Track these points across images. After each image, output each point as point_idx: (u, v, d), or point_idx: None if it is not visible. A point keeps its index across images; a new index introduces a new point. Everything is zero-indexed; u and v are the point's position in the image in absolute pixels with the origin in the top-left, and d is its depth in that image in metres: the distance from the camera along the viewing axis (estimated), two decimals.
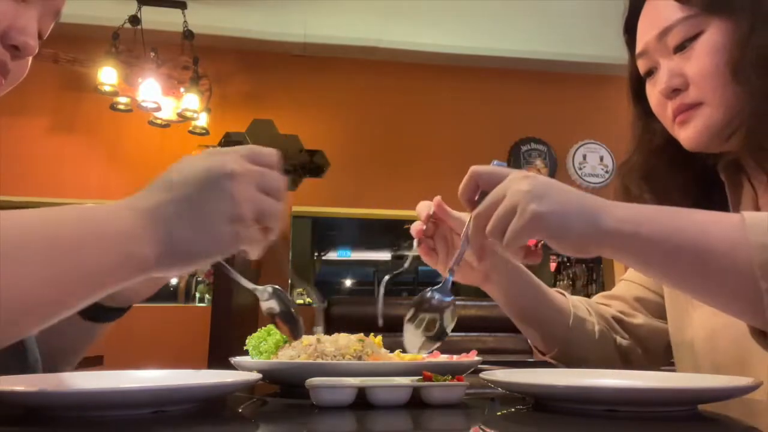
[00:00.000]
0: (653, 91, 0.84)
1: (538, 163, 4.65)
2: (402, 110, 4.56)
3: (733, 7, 0.76)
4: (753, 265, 0.59)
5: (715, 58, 0.76)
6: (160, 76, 3.69)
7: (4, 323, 0.46)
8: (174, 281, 4.32)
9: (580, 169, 4.68)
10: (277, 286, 0.67)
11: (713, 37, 0.77)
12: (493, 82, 4.66)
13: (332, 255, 9.92)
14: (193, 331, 3.72)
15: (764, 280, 0.59)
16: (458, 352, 0.85)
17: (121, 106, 3.77)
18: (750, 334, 0.64)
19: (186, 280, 4.46)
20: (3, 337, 0.47)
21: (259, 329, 0.82)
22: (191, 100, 3.72)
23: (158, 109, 3.70)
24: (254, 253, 0.60)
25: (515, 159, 4.62)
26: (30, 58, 0.68)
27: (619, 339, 0.94)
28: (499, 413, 0.64)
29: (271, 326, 0.77)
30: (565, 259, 5.41)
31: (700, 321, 0.83)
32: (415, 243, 0.85)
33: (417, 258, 0.89)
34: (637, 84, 0.90)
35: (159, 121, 3.92)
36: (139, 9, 3.75)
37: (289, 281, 4.39)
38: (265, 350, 0.79)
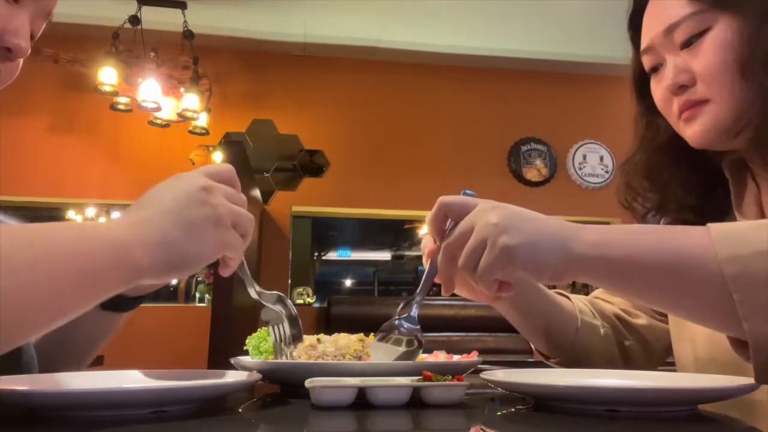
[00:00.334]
0: (658, 88, 0.83)
1: (538, 163, 4.65)
2: (402, 110, 4.56)
3: (742, 3, 0.75)
4: (724, 278, 0.59)
5: (723, 55, 0.75)
6: (160, 76, 3.69)
7: (9, 329, 0.47)
8: (174, 281, 4.33)
9: (580, 169, 4.67)
10: (283, 295, 0.73)
11: (721, 33, 0.76)
12: (493, 82, 4.67)
13: (332, 255, 9.92)
14: (193, 331, 3.72)
15: (737, 292, 0.58)
16: (458, 352, 0.85)
17: (121, 106, 3.77)
18: (730, 346, 0.64)
19: (186, 280, 4.46)
20: (6, 341, 0.48)
21: (259, 329, 0.82)
22: (191, 100, 3.71)
23: (158, 109, 3.70)
24: (237, 259, 0.65)
25: (515, 159, 4.62)
26: (22, 60, 0.68)
27: (622, 340, 0.93)
28: (499, 413, 0.64)
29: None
30: None
31: None
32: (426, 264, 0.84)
33: (417, 258, 0.89)
34: (641, 80, 0.89)
35: (159, 121, 3.92)
36: (139, 9, 3.75)
37: (289, 281, 4.39)
38: (265, 350, 0.79)
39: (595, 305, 0.97)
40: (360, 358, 0.73)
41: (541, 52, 4.50)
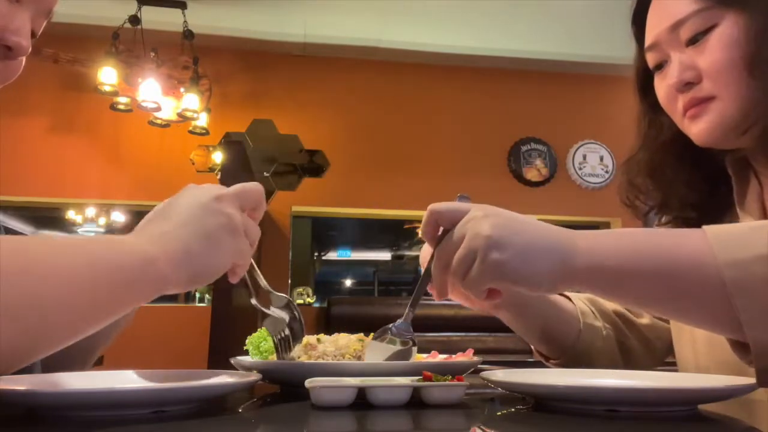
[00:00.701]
0: (662, 85, 0.83)
1: (538, 163, 4.65)
2: (402, 110, 4.56)
3: (748, 0, 0.75)
4: (724, 282, 0.58)
5: (729, 52, 0.74)
6: (160, 76, 3.69)
7: (47, 333, 0.50)
8: None
9: (580, 169, 4.67)
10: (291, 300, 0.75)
11: (728, 30, 0.75)
12: (493, 82, 4.67)
13: (332, 255, 9.92)
14: (193, 331, 3.72)
15: (738, 297, 0.57)
16: (457, 352, 0.85)
17: (121, 106, 3.77)
18: (731, 348, 0.63)
19: None
20: (44, 346, 0.51)
21: (259, 329, 0.82)
22: (191, 100, 3.71)
23: (158, 109, 3.70)
24: (245, 266, 0.67)
25: (515, 159, 4.62)
26: (24, 58, 0.68)
27: (623, 340, 0.93)
28: (499, 413, 0.64)
29: None
30: None
31: None
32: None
33: (417, 258, 0.89)
34: (645, 78, 0.88)
35: (159, 121, 3.92)
36: (139, 9, 3.75)
37: (289, 281, 4.39)
38: (265, 350, 0.79)
39: (595, 303, 0.96)
40: (360, 358, 0.73)
41: (541, 52, 4.50)
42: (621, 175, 0.93)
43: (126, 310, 0.58)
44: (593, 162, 4.69)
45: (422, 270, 0.79)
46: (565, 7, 4.08)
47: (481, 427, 0.54)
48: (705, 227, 0.62)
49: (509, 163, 4.62)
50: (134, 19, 3.73)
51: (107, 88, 3.57)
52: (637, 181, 0.90)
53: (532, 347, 0.97)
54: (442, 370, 0.64)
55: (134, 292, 0.57)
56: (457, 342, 3.87)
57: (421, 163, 4.44)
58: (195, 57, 3.87)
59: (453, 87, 4.62)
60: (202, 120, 3.97)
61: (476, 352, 0.82)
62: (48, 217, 4.32)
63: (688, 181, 0.86)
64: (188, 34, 3.85)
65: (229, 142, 4.17)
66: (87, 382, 0.64)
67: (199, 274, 0.61)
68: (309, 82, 4.47)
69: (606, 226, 4.49)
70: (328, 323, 4.04)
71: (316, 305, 4.73)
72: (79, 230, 4.26)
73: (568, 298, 0.95)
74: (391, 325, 0.76)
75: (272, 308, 0.75)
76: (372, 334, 0.79)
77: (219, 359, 2.78)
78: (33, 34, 0.70)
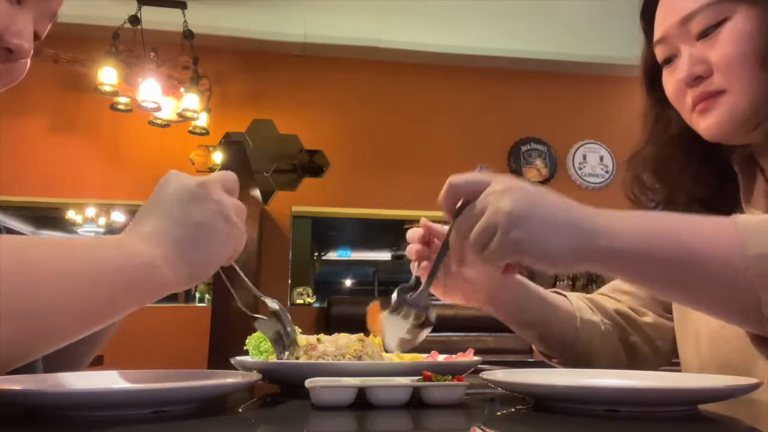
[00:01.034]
0: (671, 79, 0.82)
1: (538, 163, 4.65)
2: (402, 110, 4.56)
3: None
4: (750, 275, 0.58)
5: (741, 46, 0.74)
6: (160, 76, 3.69)
7: (44, 334, 0.50)
8: None
9: (580, 169, 4.68)
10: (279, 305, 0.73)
11: (740, 24, 0.74)
12: (493, 82, 4.66)
13: (332, 255, 9.92)
14: (193, 331, 3.72)
15: (764, 290, 0.57)
16: (458, 352, 0.85)
17: (121, 106, 3.77)
18: (750, 341, 0.63)
19: None
20: (40, 346, 0.51)
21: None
22: (191, 100, 3.71)
23: (158, 109, 3.70)
24: (238, 250, 0.65)
25: (515, 159, 4.62)
26: (29, 60, 0.68)
27: (626, 336, 0.92)
28: (499, 413, 0.64)
29: None
30: None
31: (705, 317, 0.82)
32: (414, 266, 0.84)
33: None
34: (652, 72, 0.88)
35: (159, 121, 3.92)
36: (139, 9, 3.75)
37: (289, 281, 4.39)
38: (265, 350, 0.79)
39: (595, 302, 0.95)
40: (360, 358, 0.73)
41: (540, 52, 4.50)
42: (626, 171, 0.92)
43: (126, 311, 0.57)
44: (593, 162, 4.69)
45: (414, 270, 0.80)
46: (566, 8, 4.08)
47: (481, 427, 0.54)
48: (736, 216, 0.61)
49: (509, 163, 4.62)
50: (134, 19, 3.72)
51: (107, 88, 3.57)
52: (644, 177, 0.89)
53: (533, 346, 0.97)
54: (442, 370, 0.64)
55: (134, 294, 0.57)
56: (457, 342, 3.87)
57: (421, 163, 4.44)
58: (195, 57, 3.86)
59: (453, 87, 4.62)
60: (202, 120, 3.97)
61: (476, 352, 0.82)
62: (48, 217, 4.32)
63: (696, 176, 0.86)
64: (188, 34, 3.85)
65: (229, 142, 4.17)
66: (87, 382, 0.64)
67: (200, 264, 0.60)
68: (309, 82, 4.47)
69: None
70: (328, 323, 4.04)
71: (316, 305, 4.72)
72: (79, 230, 4.27)
73: (565, 296, 0.95)
74: (408, 295, 0.74)
75: (263, 302, 0.74)
76: (372, 335, 0.79)
77: (219, 359, 2.78)
78: (37, 37, 0.70)
